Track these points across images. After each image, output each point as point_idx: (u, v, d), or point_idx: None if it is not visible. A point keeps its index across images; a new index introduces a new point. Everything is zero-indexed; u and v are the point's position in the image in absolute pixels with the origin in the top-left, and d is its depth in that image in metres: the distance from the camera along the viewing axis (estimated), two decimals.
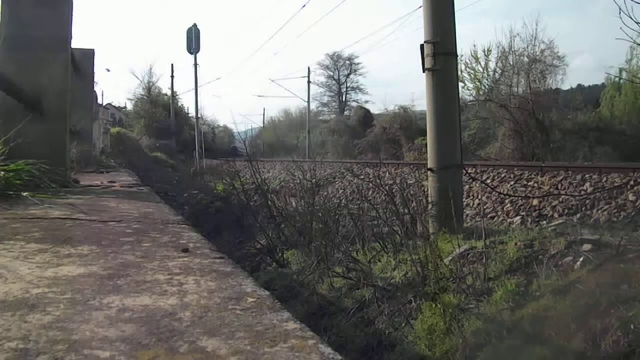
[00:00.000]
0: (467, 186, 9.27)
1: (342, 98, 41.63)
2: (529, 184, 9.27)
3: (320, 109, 42.19)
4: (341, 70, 41.45)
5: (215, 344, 0.78)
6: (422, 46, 5.05)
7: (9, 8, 3.60)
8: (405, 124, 21.12)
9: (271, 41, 51.26)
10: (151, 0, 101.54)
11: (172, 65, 31.21)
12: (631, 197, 7.18)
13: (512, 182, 9.56)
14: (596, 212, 7.27)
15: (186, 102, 41.38)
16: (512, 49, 18.65)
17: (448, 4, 5.09)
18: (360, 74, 41.78)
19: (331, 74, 41.41)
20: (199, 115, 26.38)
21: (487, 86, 19.34)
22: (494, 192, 8.56)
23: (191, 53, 23.35)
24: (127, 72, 75.90)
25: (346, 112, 37.24)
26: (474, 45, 27.74)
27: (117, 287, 1.08)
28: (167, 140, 28.38)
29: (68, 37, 3.91)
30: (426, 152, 5.35)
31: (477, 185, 9.18)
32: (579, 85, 24.17)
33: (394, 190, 5.38)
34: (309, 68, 35.52)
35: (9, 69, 3.44)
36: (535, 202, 8.18)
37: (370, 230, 4.82)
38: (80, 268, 1.25)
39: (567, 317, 2.48)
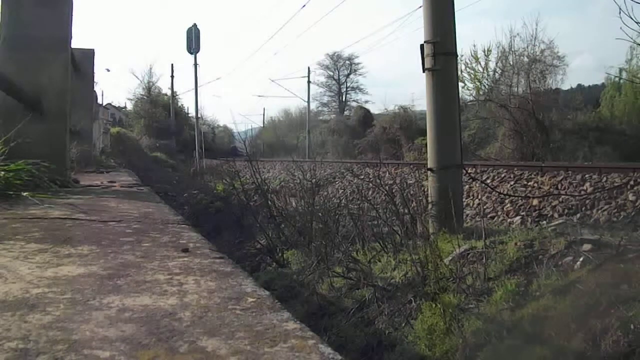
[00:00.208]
0: (467, 186, 9.26)
1: (342, 98, 41.64)
2: (529, 184, 9.27)
3: (320, 109, 42.24)
4: (341, 70, 41.49)
5: (215, 344, 0.78)
6: (422, 46, 5.05)
7: (9, 8, 3.60)
8: (405, 124, 21.13)
9: (271, 41, 51.33)
10: (151, 0, 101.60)
11: (172, 65, 31.25)
12: (631, 197, 7.18)
13: (512, 182, 9.56)
14: (596, 212, 7.27)
15: (186, 102, 41.43)
16: (512, 49, 18.67)
17: (448, 4, 5.09)
18: (360, 74, 41.85)
19: (331, 74, 41.46)
20: (199, 115, 26.40)
21: (487, 86, 19.34)
22: (494, 192, 8.56)
23: (191, 53, 23.35)
24: (127, 72, 75.96)
25: (346, 112, 37.25)
26: (474, 45, 27.77)
27: (117, 287, 1.08)
28: (167, 140, 28.38)
29: (68, 37, 3.91)
30: (426, 152, 5.35)
31: (477, 185, 9.18)
32: (579, 85, 24.19)
33: (394, 190, 5.38)
34: (309, 68, 35.56)
35: (9, 69, 3.44)
36: (535, 202, 8.18)
37: (370, 230, 4.82)
38: (80, 268, 1.25)
39: (567, 317, 2.48)
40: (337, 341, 3.11)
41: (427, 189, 5.12)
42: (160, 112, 30.51)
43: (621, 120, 17.11)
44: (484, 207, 8.52)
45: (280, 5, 79.91)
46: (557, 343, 2.39)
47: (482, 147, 17.86)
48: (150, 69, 37.42)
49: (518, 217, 7.87)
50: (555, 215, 7.58)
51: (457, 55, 5.30)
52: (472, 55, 19.14)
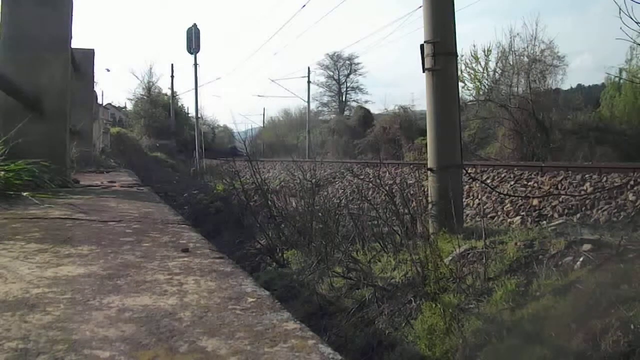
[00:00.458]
0: (467, 186, 9.26)
1: (342, 98, 41.65)
2: (529, 184, 9.27)
3: (320, 109, 42.26)
4: (341, 70, 41.51)
5: (215, 344, 0.78)
6: (422, 46, 5.05)
7: (9, 8, 3.59)
8: (405, 124, 21.14)
9: (271, 41, 51.39)
10: (151, 0, 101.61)
11: (172, 65, 31.28)
12: (631, 197, 7.18)
13: (512, 182, 9.56)
14: (596, 212, 7.27)
15: (186, 102, 41.42)
16: (512, 49, 18.69)
17: (448, 4, 5.09)
18: (360, 74, 41.87)
19: (331, 74, 41.48)
20: (199, 115, 26.43)
21: (487, 86, 19.36)
22: (494, 192, 8.55)
23: (191, 53, 23.37)
24: (127, 72, 75.99)
25: (346, 112, 37.26)
26: (474, 45, 27.78)
27: (117, 287, 1.08)
28: (167, 140, 28.39)
29: (68, 37, 3.90)
30: (426, 152, 5.35)
31: (477, 185, 9.18)
32: (579, 85, 24.21)
33: (394, 190, 5.38)
34: (309, 68, 35.58)
35: (9, 69, 3.44)
36: (535, 202, 8.18)
37: (370, 230, 4.82)
38: (80, 268, 1.25)
39: (567, 317, 2.48)
40: (337, 341, 3.11)
41: (427, 189, 5.12)
42: (160, 112, 30.51)
43: (621, 120, 17.11)
44: (484, 207, 8.52)
45: (280, 5, 79.99)
46: (557, 343, 2.39)
47: (482, 147, 17.86)
48: (150, 69, 37.59)
49: (518, 217, 7.87)
50: (555, 215, 7.58)
51: (457, 55, 5.30)
52: (472, 55, 19.18)
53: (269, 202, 6.15)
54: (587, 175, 8.46)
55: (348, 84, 41.67)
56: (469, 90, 19.56)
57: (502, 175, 10.04)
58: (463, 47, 20.95)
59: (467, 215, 7.88)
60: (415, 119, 21.22)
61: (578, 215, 7.35)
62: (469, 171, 8.06)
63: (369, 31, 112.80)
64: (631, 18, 4.10)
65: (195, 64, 23.72)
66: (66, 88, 3.82)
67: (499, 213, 8.38)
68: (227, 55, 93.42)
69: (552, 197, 8.01)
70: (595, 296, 2.53)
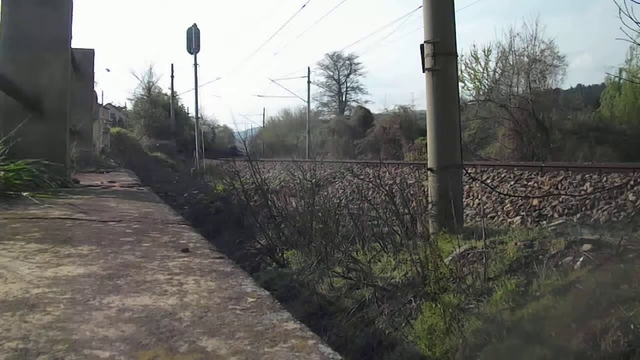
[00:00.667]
0: (467, 186, 9.26)
1: (342, 98, 41.66)
2: (529, 184, 9.27)
3: (320, 109, 42.27)
4: (341, 70, 41.52)
5: (215, 344, 0.78)
6: (422, 46, 5.05)
7: (9, 8, 3.59)
8: (405, 124, 21.14)
9: (271, 41, 51.41)
10: (151, 0, 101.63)
11: (172, 65, 31.28)
12: (631, 197, 7.18)
13: (512, 182, 9.56)
14: (596, 212, 7.27)
15: (186, 102, 41.42)
16: (512, 49, 18.70)
17: (448, 4, 5.09)
18: (360, 74, 41.88)
19: (331, 74, 41.49)
20: (199, 115, 26.43)
21: (487, 86, 19.36)
22: (494, 192, 8.55)
23: (191, 53, 23.37)
24: (127, 72, 76.01)
25: (346, 112, 37.26)
26: (474, 45, 27.78)
27: (117, 287, 1.08)
28: (167, 140, 28.39)
29: (68, 37, 3.90)
30: (426, 152, 5.35)
31: (477, 185, 9.18)
32: (579, 85, 24.21)
33: (394, 190, 5.38)
34: (309, 68, 35.59)
35: (9, 69, 3.44)
36: (535, 202, 8.18)
37: (370, 230, 4.82)
38: (80, 268, 1.25)
39: (567, 317, 2.48)
40: (337, 341, 3.11)
41: (427, 189, 5.12)
42: (160, 112, 30.51)
43: (621, 120, 17.12)
44: (484, 207, 8.52)
45: (280, 5, 79.99)
46: (557, 343, 2.39)
47: (482, 147, 17.86)
48: (150, 69, 37.61)
49: (518, 217, 7.88)
50: (555, 215, 7.58)
51: (457, 55, 5.30)
52: (472, 55, 19.18)
53: (269, 202, 6.15)
54: (587, 175, 8.46)
55: (348, 84, 41.72)
56: (469, 90, 19.58)
57: (502, 175, 10.04)
58: (463, 47, 20.97)
59: (467, 215, 7.88)
60: (415, 119, 21.23)
61: (578, 215, 7.35)
62: (469, 171, 8.06)
63: (369, 31, 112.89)
64: (631, 18, 4.10)
65: (195, 64, 23.75)
66: (66, 88, 3.82)
67: (499, 213, 8.38)
68: (227, 55, 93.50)
69: (552, 197, 8.02)
70: (595, 296, 2.53)
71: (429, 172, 5.04)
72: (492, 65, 19.29)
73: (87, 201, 2.79)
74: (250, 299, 1.02)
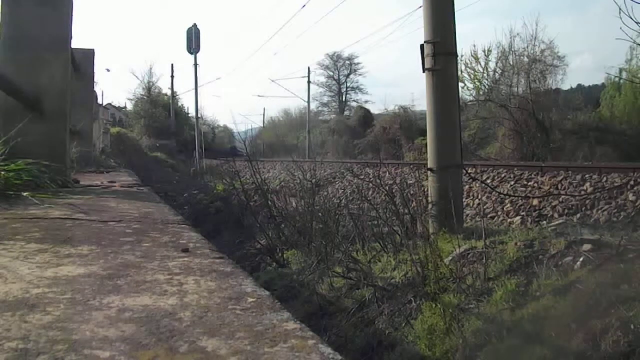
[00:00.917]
0: (467, 186, 9.26)
1: (342, 98, 41.67)
2: (529, 184, 9.27)
3: (320, 109, 42.28)
4: (341, 70, 41.52)
5: (215, 344, 0.78)
6: (422, 46, 5.05)
7: (9, 8, 3.59)
8: (405, 124, 21.14)
9: (271, 41, 51.42)
10: (151, 0, 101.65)
11: (172, 65, 31.28)
12: (631, 197, 7.18)
13: (512, 182, 9.56)
14: (596, 212, 7.27)
15: (186, 102, 41.43)
16: (512, 49, 18.70)
17: (448, 4, 5.09)
18: (360, 74, 41.89)
19: (331, 74, 41.49)
20: (199, 115, 26.42)
21: (487, 86, 19.37)
22: (494, 192, 8.55)
23: (191, 53, 23.37)
24: (127, 72, 76.05)
25: (346, 112, 37.26)
26: (474, 45, 27.77)
27: (117, 287, 1.08)
28: (167, 140, 28.39)
29: (68, 37, 3.90)
30: (426, 152, 5.35)
31: (477, 185, 9.18)
32: (579, 85, 24.22)
33: (394, 190, 5.38)
34: (309, 68, 35.60)
35: (9, 69, 3.44)
36: (535, 202, 8.18)
37: (370, 230, 4.82)
38: (80, 268, 1.25)
39: (567, 317, 2.48)
40: (337, 341, 3.11)
41: (427, 189, 5.12)
42: (160, 112, 30.51)
43: (621, 120, 17.12)
44: (484, 207, 8.52)
45: (280, 5, 80.00)
46: (557, 343, 2.39)
47: (482, 147, 17.86)
48: (150, 69, 37.63)
49: (518, 217, 7.87)
50: (555, 215, 7.58)
51: (457, 55, 5.30)
52: (472, 55, 19.19)
53: (269, 202, 6.15)
54: (587, 175, 8.46)
55: (348, 84, 41.73)
56: (469, 90, 19.59)
57: (502, 175, 10.04)
58: (463, 47, 20.95)
59: (467, 215, 7.88)
60: (415, 119, 21.22)
61: (578, 215, 7.35)
62: (469, 171, 8.06)
63: (369, 31, 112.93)
64: (631, 18, 4.10)
65: (195, 64, 23.74)
66: (66, 88, 3.82)
67: (499, 213, 8.38)
68: (227, 55, 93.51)
69: (552, 197, 8.02)
70: (595, 296, 2.53)
71: (429, 172, 5.04)
72: (492, 65, 19.32)
73: (87, 201, 2.79)
74: (250, 299, 1.02)
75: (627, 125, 16.43)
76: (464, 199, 7.38)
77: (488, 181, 9.64)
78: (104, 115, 17.86)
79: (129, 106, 36.73)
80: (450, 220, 4.17)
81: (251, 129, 44.73)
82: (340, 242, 4.61)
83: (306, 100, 33.75)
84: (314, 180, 6.37)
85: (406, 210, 4.82)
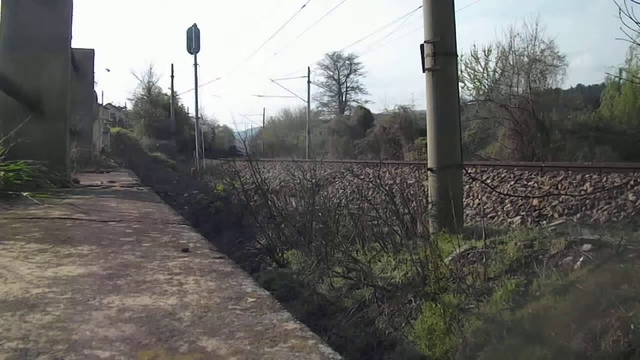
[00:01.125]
0: (467, 186, 9.27)
1: (342, 98, 41.67)
2: (529, 184, 9.27)
3: (320, 109, 42.29)
4: (341, 70, 41.52)
5: (215, 344, 0.78)
6: (422, 46, 5.05)
7: (8, 8, 3.59)
8: (405, 124, 21.13)
9: (271, 41, 51.40)
10: (151, 0, 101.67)
11: (172, 65, 31.26)
12: (631, 197, 7.18)
13: (512, 182, 9.56)
14: (596, 212, 7.27)
15: (186, 102, 41.44)
16: (512, 49, 18.72)
17: (448, 4, 5.09)
18: (360, 74, 41.90)
19: (331, 74, 41.50)
20: (199, 115, 26.38)
21: (487, 86, 19.38)
22: (494, 192, 8.56)
23: (191, 53, 23.35)
24: (127, 72, 76.11)
25: (346, 112, 37.25)
26: (474, 45, 27.78)
27: (117, 287, 1.08)
28: (167, 140, 28.39)
29: (68, 37, 3.90)
30: (426, 152, 5.35)
31: (477, 185, 9.18)
32: (579, 85, 24.23)
33: (394, 190, 5.38)
34: (309, 68, 35.63)
35: (9, 69, 3.44)
36: (535, 202, 8.19)
37: (370, 230, 4.82)
38: (80, 268, 1.24)
39: (567, 317, 2.48)
40: (337, 341, 3.11)
41: (427, 189, 5.12)
42: (160, 112, 30.51)
43: (621, 120, 17.13)
44: (484, 207, 8.52)
45: (280, 5, 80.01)
46: (557, 343, 2.39)
47: (482, 147, 17.86)
48: (150, 69, 37.57)
49: (518, 217, 7.88)
50: (555, 215, 7.58)
51: (457, 55, 5.29)
52: (472, 55, 19.20)
53: (269, 202, 6.15)
54: (587, 175, 8.46)
55: (348, 84, 41.73)
56: (469, 90, 19.60)
57: (502, 175, 10.04)
58: (463, 47, 20.94)
59: (467, 215, 7.88)
60: (415, 119, 21.21)
61: (578, 215, 7.35)
62: (469, 171, 8.07)
63: (369, 31, 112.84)
64: (631, 18, 4.10)
65: (195, 64, 23.72)
66: (66, 88, 3.82)
67: (499, 213, 8.39)
68: (227, 55, 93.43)
69: (552, 197, 8.02)
70: (595, 296, 2.53)
71: (429, 172, 5.04)
72: (492, 65, 19.33)
73: (87, 201, 2.79)
74: (250, 299, 1.02)
75: (627, 125, 16.44)
76: (464, 199, 7.38)
77: (488, 181, 9.64)
78: (104, 115, 17.86)
79: (129, 106, 36.78)
80: (450, 220, 4.17)
81: (251, 129, 44.74)
82: (340, 242, 4.61)
83: (306, 100, 33.79)
84: (314, 180, 6.37)
85: (406, 210, 4.82)
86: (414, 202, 5.03)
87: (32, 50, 3.62)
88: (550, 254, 3.21)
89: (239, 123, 71.64)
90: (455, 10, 5.14)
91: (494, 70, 19.35)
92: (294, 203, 6.54)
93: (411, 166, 12.52)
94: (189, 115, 33.38)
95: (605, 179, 8.12)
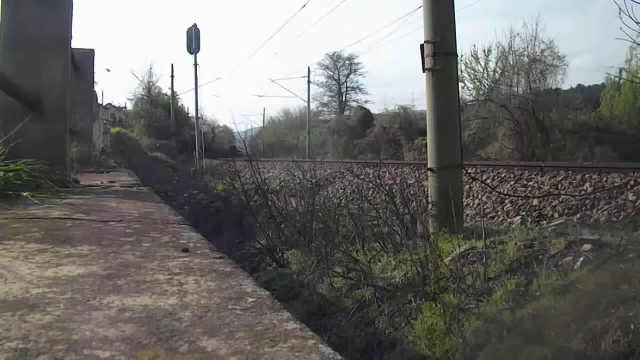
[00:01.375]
0: (467, 186, 9.27)
1: (342, 98, 41.68)
2: (529, 184, 9.27)
3: (320, 109, 42.29)
4: (341, 70, 41.53)
5: (215, 344, 0.78)
6: (422, 46, 5.05)
7: (8, 8, 3.59)
8: (405, 124, 21.12)
9: (271, 41, 51.42)
10: (151, 0, 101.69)
11: (172, 65, 31.26)
12: (631, 197, 7.18)
13: (512, 182, 9.56)
14: (596, 212, 7.27)
15: (186, 102, 41.44)
16: (512, 49, 18.72)
17: (448, 4, 5.09)
18: (360, 74, 41.90)
19: (331, 74, 41.51)
20: (199, 115, 26.38)
21: (487, 86, 19.38)
22: (494, 192, 8.56)
23: (191, 53, 23.35)
24: (127, 72, 76.14)
25: (346, 112, 37.26)
26: (474, 45, 27.77)
27: (117, 287, 1.08)
28: (167, 140, 28.39)
29: (68, 37, 3.90)
30: (426, 152, 5.35)
31: (477, 185, 9.18)
32: (579, 85, 24.22)
33: (394, 190, 5.38)
34: (309, 68, 35.63)
35: (9, 69, 3.44)
36: (535, 202, 8.18)
37: (370, 230, 4.82)
38: (80, 268, 1.24)
39: (567, 317, 2.48)
40: (337, 341, 3.11)
41: (427, 189, 5.12)
42: (160, 112, 30.52)
43: (621, 120, 17.13)
44: (484, 207, 8.52)
45: (280, 5, 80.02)
46: (557, 343, 2.39)
47: (482, 147, 17.86)
48: (150, 69, 37.55)
49: (518, 217, 7.88)
50: (555, 215, 7.58)
51: (457, 55, 5.29)
52: (472, 55, 19.21)
53: (269, 202, 6.15)
54: (587, 175, 8.46)
55: (348, 84, 41.73)
56: (469, 90, 19.61)
57: (502, 175, 10.04)
58: (463, 47, 20.93)
59: (467, 215, 7.88)
60: (415, 119, 21.21)
61: (578, 215, 7.35)
62: (469, 171, 8.07)
63: (369, 31, 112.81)
64: (631, 18, 4.10)
65: (195, 64, 23.72)
66: (66, 88, 3.82)
67: (499, 213, 8.39)
68: (227, 55, 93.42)
69: (552, 197, 8.02)
70: (595, 296, 2.53)
71: (429, 172, 5.04)
72: (492, 65, 19.34)
73: (87, 201, 2.79)
74: (250, 299, 1.02)
75: (627, 125, 16.45)
76: (464, 199, 7.37)
77: (488, 181, 9.64)
78: (104, 115, 17.86)
79: (129, 106, 36.80)
80: (450, 220, 4.17)
81: (251, 129, 44.72)
82: (340, 242, 4.61)
83: (306, 100, 33.80)
84: (314, 180, 6.37)
85: (406, 210, 4.82)
86: (414, 202, 5.03)
87: (32, 50, 3.62)
88: (550, 254, 3.21)
89: (239, 123, 71.76)
90: (455, 10, 5.14)
91: (494, 70, 19.38)
92: (294, 203, 6.54)
93: (411, 166, 12.52)
94: (189, 115, 33.41)
95: (605, 179, 8.12)
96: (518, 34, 18.58)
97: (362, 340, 3.13)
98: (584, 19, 65.35)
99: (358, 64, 40.92)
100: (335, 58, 40.97)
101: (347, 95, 41.85)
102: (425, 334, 2.88)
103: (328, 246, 4.41)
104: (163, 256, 1.42)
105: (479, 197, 9.03)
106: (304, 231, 5.47)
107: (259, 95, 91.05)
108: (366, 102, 39.94)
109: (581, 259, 3.02)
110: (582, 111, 17.18)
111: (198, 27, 22.84)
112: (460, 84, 17.41)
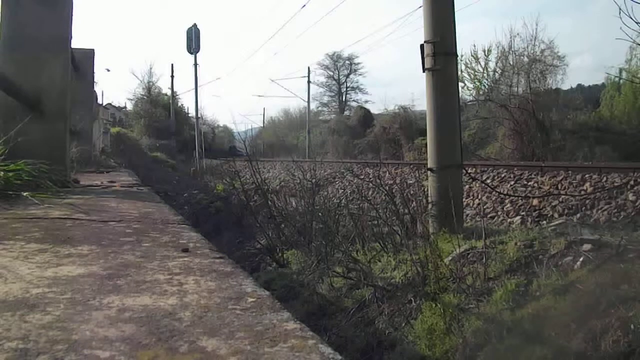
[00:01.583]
0: (467, 186, 9.27)
1: (342, 98, 41.68)
2: (529, 184, 9.27)
3: (320, 109, 42.30)
4: (341, 70, 41.54)
5: (215, 344, 0.78)
6: (422, 46, 5.05)
7: (8, 8, 3.59)
8: (405, 124, 21.12)
9: (271, 41, 51.41)
10: (151, 0, 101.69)
11: (172, 65, 31.26)
12: (631, 197, 7.18)
13: (512, 182, 9.56)
14: (596, 212, 7.28)
15: (186, 102, 41.41)
16: (512, 49, 18.73)
17: (448, 4, 5.09)
18: (360, 74, 41.91)
19: (331, 74, 41.51)
20: (199, 115, 26.38)
21: (487, 86, 19.38)
22: (494, 192, 8.56)
23: (191, 53, 23.36)
24: (127, 72, 76.18)
25: (346, 112, 37.26)
26: (474, 45, 27.76)
27: (117, 287, 1.08)
28: (167, 140, 28.39)
29: (68, 37, 3.90)
30: (426, 152, 5.35)
31: (477, 185, 9.18)
32: (579, 85, 24.23)
33: (394, 190, 5.38)
34: (309, 68, 35.63)
35: (9, 69, 3.44)
36: (535, 202, 8.19)
37: (370, 230, 4.82)
38: (80, 268, 1.24)
39: (567, 317, 2.48)
40: (337, 341, 3.11)
41: (427, 189, 5.12)
42: (160, 112, 30.52)
43: (621, 120, 17.13)
44: (484, 207, 8.52)
45: (280, 5, 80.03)
46: (557, 343, 2.39)
47: (482, 147, 17.86)
48: (150, 69, 37.56)
49: (518, 217, 7.88)
50: (555, 215, 7.58)
51: (457, 55, 5.29)
52: (472, 55, 19.21)
53: (269, 202, 6.14)
54: (587, 175, 8.46)
55: (348, 84, 41.74)
56: (469, 90, 19.61)
57: (502, 175, 10.04)
58: (463, 47, 20.92)
59: (467, 215, 7.88)
60: (415, 119, 21.21)
61: (578, 215, 7.35)
62: (469, 171, 8.07)
63: (369, 31, 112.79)
64: (631, 18, 4.10)
65: (195, 64, 23.72)
66: (66, 88, 3.82)
67: (499, 213, 8.39)
68: (227, 55, 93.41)
69: (552, 197, 8.02)
70: (595, 296, 2.53)
71: (429, 172, 5.04)
72: (492, 65, 19.34)
73: (87, 201, 2.79)
74: (250, 299, 1.02)
75: (627, 125, 16.45)
76: (464, 199, 7.37)
77: (488, 181, 9.64)
78: (104, 115, 17.85)
79: (129, 106, 36.79)
80: (450, 220, 4.17)
81: (251, 129, 44.71)
82: (340, 242, 4.61)
83: (306, 100, 33.80)
84: (314, 180, 6.37)
85: (406, 210, 4.82)
86: (414, 202, 5.03)
87: (32, 50, 3.62)
88: (550, 254, 3.21)
89: (239, 123, 71.81)
90: (455, 10, 5.15)
91: (494, 70, 19.38)
92: (294, 203, 6.54)
93: (411, 166, 12.52)
94: (189, 115, 33.40)
95: (605, 179, 8.12)
96: (518, 34, 18.61)
97: (362, 340, 3.13)
98: (584, 19, 65.38)
99: (358, 64, 40.97)
100: (335, 58, 41.02)
101: (347, 95, 41.90)
102: (425, 334, 2.88)
103: (328, 246, 4.41)
104: (163, 256, 1.42)
105: (479, 197, 9.03)
106: (304, 231, 5.47)
107: (259, 95, 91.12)
108: (366, 102, 40.01)
109: (581, 259, 3.02)
110: (582, 111, 17.18)
111: (198, 27, 22.85)
112: (460, 84, 17.44)
